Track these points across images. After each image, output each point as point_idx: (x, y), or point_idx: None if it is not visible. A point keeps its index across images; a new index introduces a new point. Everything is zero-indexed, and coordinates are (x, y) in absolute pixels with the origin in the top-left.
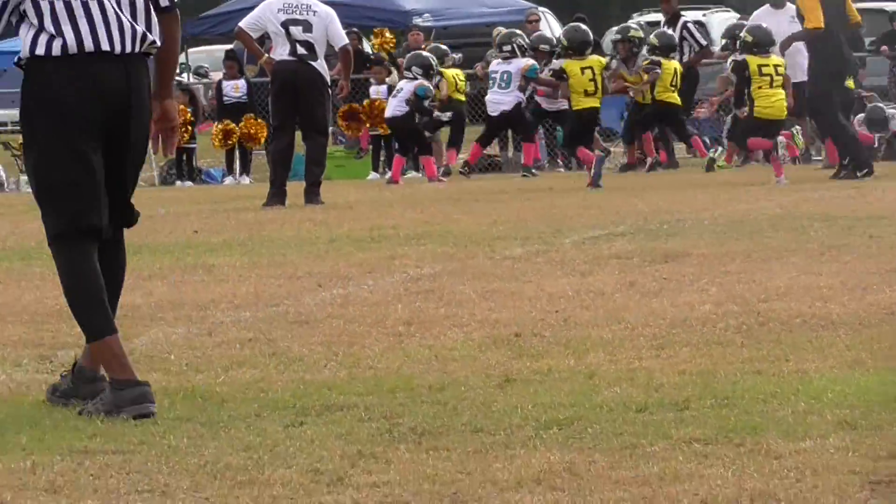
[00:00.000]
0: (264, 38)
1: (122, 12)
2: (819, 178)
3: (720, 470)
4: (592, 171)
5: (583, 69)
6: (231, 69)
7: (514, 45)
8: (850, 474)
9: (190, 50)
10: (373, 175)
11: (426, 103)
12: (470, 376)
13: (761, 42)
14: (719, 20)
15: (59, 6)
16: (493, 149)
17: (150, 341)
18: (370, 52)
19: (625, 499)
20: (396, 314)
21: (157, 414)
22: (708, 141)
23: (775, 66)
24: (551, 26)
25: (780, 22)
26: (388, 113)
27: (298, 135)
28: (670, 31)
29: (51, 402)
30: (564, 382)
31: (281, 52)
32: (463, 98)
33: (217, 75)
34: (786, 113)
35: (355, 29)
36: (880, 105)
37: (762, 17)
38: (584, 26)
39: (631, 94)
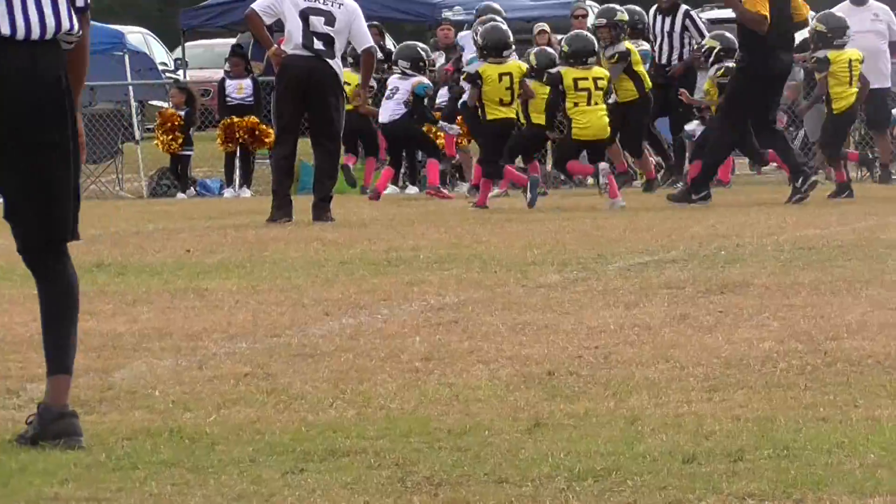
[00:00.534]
0: (272, 31)
1: None
2: None
3: None
4: (528, 194)
5: (501, 75)
6: (237, 67)
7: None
8: None
9: (187, 44)
10: (391, 189)
11: (426, 102)
12: (495, 419)
13: (578, 52)
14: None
15: None
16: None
17: (133, 375)
18: (393, 48)
19: None
20: (413, 348)
21: (139, 458)
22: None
23: (595, 79)
24: None
25: (862, 20)
26: (383, 117)
27: (304, 141)
28: (669, 21)
29: (18, 444)
30: (602, 428)
31: (294, 44)
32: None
33: (214, 73)
34: (608, 132)
35: (376, 23)
36: None
37: (844, 13)
38: (504, 25)
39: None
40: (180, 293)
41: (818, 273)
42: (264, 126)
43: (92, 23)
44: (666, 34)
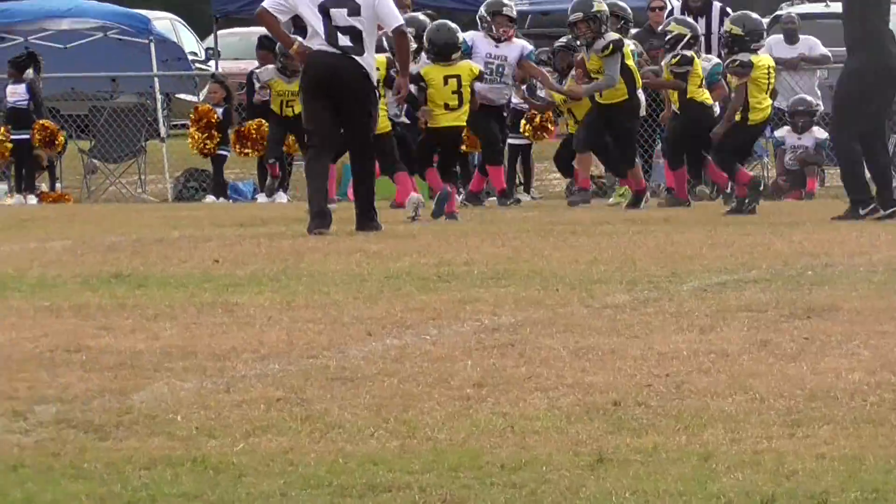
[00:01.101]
0: (291, 28)
1: None
2: None
3: None
4: (434, 205)
5: (446, 78)
6: (265, 59)
7: None
8: None
9: (220, 32)
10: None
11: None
12: (554, 454)
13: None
14: None
15: None
16: (598, 168)
17: (153, 397)
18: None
19: None
20: (465, 373)
21: (158, 490)
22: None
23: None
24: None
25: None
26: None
27: None
28: (703, 22)
29: None
30: (673, 465)
31: (317, 42)
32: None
33: (250, 65)
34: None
35: (430, 11)
36: None
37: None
38: (452, 24)
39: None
40: (207, 308)
41: None
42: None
43: (115, 7)
44: (701, 37)
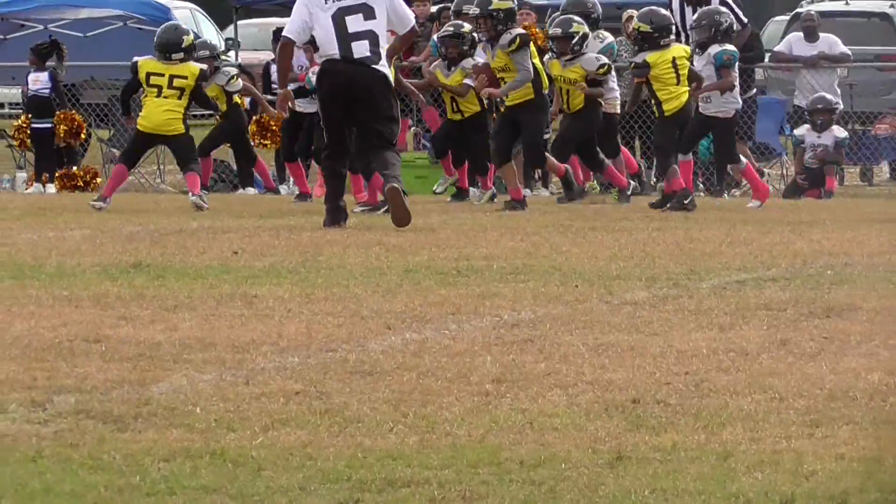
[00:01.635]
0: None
1: None
2: None
3: None
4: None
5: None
6: None
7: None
8: None
9: (239, 23)
10: (471, 192)
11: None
12: (573, 451)
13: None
14: None
15: None
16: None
17: (172, 389)
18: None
19: None
20: (484, 368)
21: (177, 482)
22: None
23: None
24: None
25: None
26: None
27: None
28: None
29: None
30: (692, 463)
31: (330, 52)
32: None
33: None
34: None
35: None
36: None
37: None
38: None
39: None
40: (226, 299)
41: None
42: None
43: None
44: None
